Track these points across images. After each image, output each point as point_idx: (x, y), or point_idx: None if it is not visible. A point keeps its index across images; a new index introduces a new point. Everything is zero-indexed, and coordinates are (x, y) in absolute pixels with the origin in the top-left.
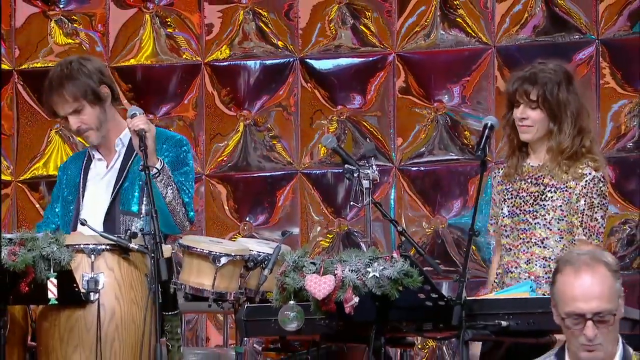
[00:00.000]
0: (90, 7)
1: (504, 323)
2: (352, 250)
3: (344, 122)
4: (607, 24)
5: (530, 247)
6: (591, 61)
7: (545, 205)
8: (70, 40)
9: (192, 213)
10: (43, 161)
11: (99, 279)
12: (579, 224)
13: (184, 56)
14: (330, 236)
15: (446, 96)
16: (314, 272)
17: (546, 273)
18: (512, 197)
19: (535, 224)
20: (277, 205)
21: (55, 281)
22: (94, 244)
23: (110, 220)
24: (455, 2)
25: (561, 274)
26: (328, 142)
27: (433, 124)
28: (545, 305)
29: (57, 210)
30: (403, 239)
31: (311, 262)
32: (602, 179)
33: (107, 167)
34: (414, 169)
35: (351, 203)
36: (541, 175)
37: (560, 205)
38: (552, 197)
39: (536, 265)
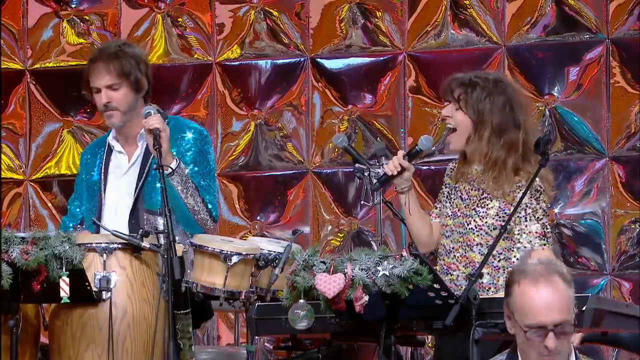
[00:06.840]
0: (102, 6)
1: None
2: (362, 249)
3: (355, 121)
4: (617, 24)
5: (467, 251)
6: (601, 60)
7: (479, 212)
8: (82, 40)
9: (215, 211)
10: (55, 160)
11: (110, 277)
12: (521, 234)
13: (196, 56)
14: (341, 235)
15: None
16: (324, 271)
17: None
18: (456, 198)
19: (469, 229)
20: (288, 204)
21: (67, 280)
22: (105, 243)
23: (135, 219)
24: (465, 2)
25: (518, 286)
26: (339, 141)
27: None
28: None
29: (78, 202)
30: None
31: (321, 261)
32: (538, 188)
33: (128, 161)
34: (424, 167)
35: (362, 202)
36: (482, 180)
37: (496, 213)
38: (487, 204)
39: (472, 270)
